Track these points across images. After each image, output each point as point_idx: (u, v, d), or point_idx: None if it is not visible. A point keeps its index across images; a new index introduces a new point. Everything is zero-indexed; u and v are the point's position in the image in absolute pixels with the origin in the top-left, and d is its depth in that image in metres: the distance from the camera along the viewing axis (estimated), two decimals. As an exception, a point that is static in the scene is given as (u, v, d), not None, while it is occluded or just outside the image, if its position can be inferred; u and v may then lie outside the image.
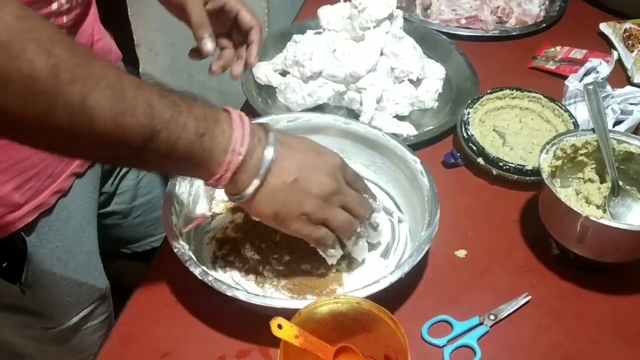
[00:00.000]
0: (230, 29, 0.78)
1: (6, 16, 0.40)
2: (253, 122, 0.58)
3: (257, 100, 0.93)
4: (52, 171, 0.75)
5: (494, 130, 0.89)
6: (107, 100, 0.46)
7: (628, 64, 1.04)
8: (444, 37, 1.06)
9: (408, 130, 0.89)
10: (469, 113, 0.88)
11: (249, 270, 0.69)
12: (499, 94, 0.92)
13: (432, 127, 0.91)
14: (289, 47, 0.96)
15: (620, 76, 1.03)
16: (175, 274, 0.68)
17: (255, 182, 0.57)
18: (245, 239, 0.71)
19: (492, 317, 0.67)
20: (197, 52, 0.74)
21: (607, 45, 1.11)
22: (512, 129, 0.89)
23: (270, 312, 0.54)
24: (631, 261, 0.69)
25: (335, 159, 0.62)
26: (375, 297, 0.58)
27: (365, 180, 0.70)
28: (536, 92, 0.91)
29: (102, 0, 0.81)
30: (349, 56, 0.91)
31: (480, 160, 0.84)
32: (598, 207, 0.74)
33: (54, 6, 0.65)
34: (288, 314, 0.53)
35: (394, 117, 0.93)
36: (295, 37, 0.97)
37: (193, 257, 0.64)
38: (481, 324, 0.67)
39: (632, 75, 1.02)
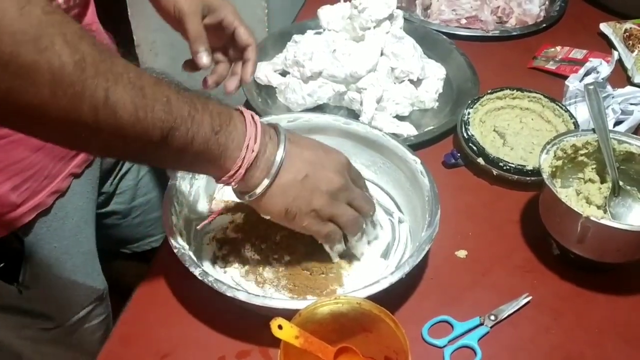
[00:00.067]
0: (225, 43, 0.78)
1: (36, 10, 0.41)
2: (262, 120, 0.60)
3: (257, 100, 0.93)
4: (50, 171, 0.75)
5: (494, 130, 0.89)
6: (129, 96, 0.47)
7: (628, 64, 1.04)
8: (444, 37, 1.06)
9: (408, 130, 0.89)
10: (469, 113, 0.88)
11: (249, 270, 0.69)
12: (499, 94, 0.92)
13: (432, 128, 0.91)
14: (289, 47, 0.96)
15: (621, 76, 1.03)
16: (175, 274, 0.68)
17: (267, 179, 0.58)
18: (246, 239, 0.71)
19: (492, 317, 0.67)
20: (191, 64, 0.75)
21: (607, 46, 1.11)
22: (513, 129, 0.89)
23: (271, 313, 0.54)
24: (632, 261, 0.69)
25: (341, 157, 0.64)
26: (375, 298, 0.57)
27: (366, 181, 0.70)
28: (536, 92, 0.91)
29: (102, 0, 0.81)
30: (349, 56, 0.90)
31: (480, 160, 0.83)
32: (598, 207, 0.74)
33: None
34: (288, 314, 0.53)
35: (394, 117, 0.93)
36: (295, 37, 0.97)
37: (193, 257, 0.64)
38: (482, 324, 0.67)
39: (632, 75, 1.02)
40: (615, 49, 1.08)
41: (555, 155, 0.73)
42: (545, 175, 0.70)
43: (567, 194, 0.75)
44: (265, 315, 0.54)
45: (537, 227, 0.74)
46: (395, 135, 0.81)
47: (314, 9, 1.01)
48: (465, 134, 0.86)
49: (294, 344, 0.51)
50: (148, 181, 1.02)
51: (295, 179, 0.59)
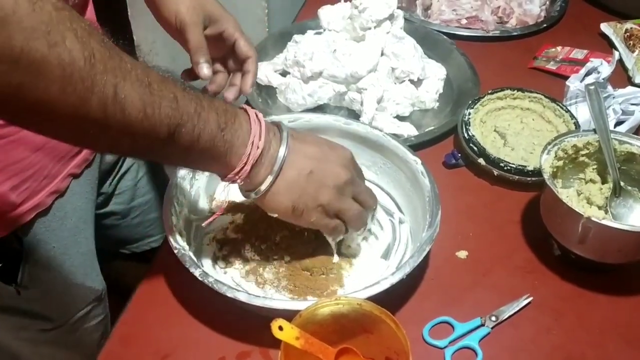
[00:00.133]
0: (225, 54, 0.79)
1: (47, 5, 0.41)
2: (266, 119, 0.60)
3: (257, 101, 0.92)
4: (49, 171, 0.75)
5: (495, 130, 0.89)
6: (137, 92, 0.47)
7: (629, 64, 1.04)
8: (445, 37, 1.06)
9: (409, 130, 0.89)
10: (469, 113, 0.88)
11: (249, 271, 0.69)
12: (500, 94, 0.91)
13: (433, 128, 0.91)
14: (289, 47, 0.96)
15: (621, 76, 1.03)
16: (175, 274, 0.68)
17: (271, 175, 0.58)
18: (246, 239, 0.71)
19: (493, 318, 0.67)
20: (190, 74, 0.75)
21: (608, 46, 1.11)
22: (513, 129, 0.89)
23: (271, 314, 0.54)
24: (633, 262, 0.69)
25: (346, 152, 0.65)
26: (376, 299, 0.57)
27: (366, 181, 0.70)
28: (537, 93, 0.91)
29: (102, 0, 0.81)
30: (350, 56, 0.90)
31: (481, 160, 0.83)
32: (600, 207, 0.74)
33: None
34: (289, 315, 0.52)
35: (394, 117, 0.93)
36: (296, 37, 0.97)
37: (193, 258, 0.63)
38: (482, 325, 0.67)
39: (633, 75, 1.02)
40: (616, 49, 1.07)
41: (556, 156, 0.73)
42: (546, 176, 0.70)
43: (568, 194, 0.75)
44: (265, 316, 0.54)
45: (538, 228, 0.74)
46: (395, 136, 0.80)
47: (314, 9, 1.01)
48: (465, 135, 0.86)
49: (295, 345, 0.51)
50: (147, 182, 1.02)
51: (300, 174, 0.60)
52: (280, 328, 0.50)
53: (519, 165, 0.81)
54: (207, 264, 0.70)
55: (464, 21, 1.15)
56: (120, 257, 1.09)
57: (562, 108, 0.88)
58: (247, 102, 0.92)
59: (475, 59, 1.02)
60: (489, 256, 0.74)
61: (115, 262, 1.07)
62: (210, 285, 0.60)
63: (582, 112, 0.88)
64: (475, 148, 0.84)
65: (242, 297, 0.59)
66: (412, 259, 0.64)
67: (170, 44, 0.77)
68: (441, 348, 0.65)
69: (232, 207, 0.75)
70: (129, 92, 0.46)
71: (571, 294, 0.71)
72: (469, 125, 0.86)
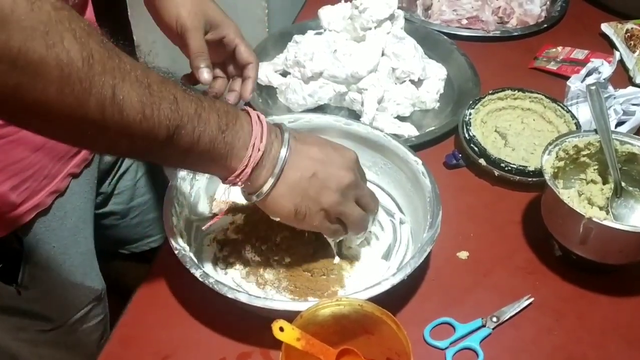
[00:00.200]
0: (225, 59, 0.79)
1: (46, 5, 0.41)
2: (268, 120, 0.60)
3: (258, 101, 0.92)
4: (49, 171, 0.74)
5: (495, 131, 0.89)
6: (136, 93, 0.46)
7: (630, 64, 1.04)
8: (445, 37, 1.06)
9: (409, 131, 0.89)
10: (470, 114, 0.88)
11: (250, 272, 0.69)
12: (501, 94, 0.91)
13: (433, 128, 0.90)
14: (290, 47, 0.96)
15: (622, 77, 1.03)
16: (175, 275, 0.68)
17: (272, 178, 0.57)
18: (246, 240, 0.71)
19: (494, 319, 0.67)
20: (190, 78, 0.75)
21: (608, 46, 1.11)
22: (514, 129, 0.89)
23: (272, 315, 0.54)
24: (634, 263, 0.69)
25: (351, 153, 0.63)
26: (377, 299, 0.57)
27: (367, 182, 0.69)
28: (538, 93, 0.91)
29: (101, 0, 0.81)
30: (350, 57, 0.90)
31: (482, 161, 0.83)
32: (601, 208, 0.74)
33: None
34: (290, 316, 0.52)
35: (395, 117, 0.93)
36: (296, 37, 0.96)
37: (194, 258, 0.63)
38: (483, 326, 0.67)
39: (634, 75, 1.02)
40: (617, 49, 1.07)
41: (557, 156, 0.73)
42: (547, 176, 0.70)
43: (569, 194, 0.75)
44: (266, 317, 0.54)
45: (539, 228, 0.74)
46: (396, 136, 0.80)
47: (315, 9, 1.00)
48: (466, 135, 0.86)
49: (296, 346, 0.51)
50: (146, 182, 1.02)
51: (302, 177, 0.58)
52: (281, 329, 0.50)
53: (520, 166, 0.81)
54: (207, 264, 0.70)
55: (464, 21, 1.15)
56: (120, 257, 1.09)
57: (563, 108, 0.88)
58: (248, 103, 0.92)
59: (476, 59, 1.02)
60: (490, 257, 0.74)
61: (115, 262, 1.07)
62: (210, 286, 0.60)
63: (583, 113, 0.88)
64: (476, 148, 0.84)
65: (242, 298, 0.59)
66: (413, 259, 0.63)
67: (170, 45, 0.77)
68: (442, 349, 0.65)
69: (233, 208, 0.74)
70: (128, 93, 0.46)
71: (572, 294, 0.71)
72: (470, 126, 0.86)
